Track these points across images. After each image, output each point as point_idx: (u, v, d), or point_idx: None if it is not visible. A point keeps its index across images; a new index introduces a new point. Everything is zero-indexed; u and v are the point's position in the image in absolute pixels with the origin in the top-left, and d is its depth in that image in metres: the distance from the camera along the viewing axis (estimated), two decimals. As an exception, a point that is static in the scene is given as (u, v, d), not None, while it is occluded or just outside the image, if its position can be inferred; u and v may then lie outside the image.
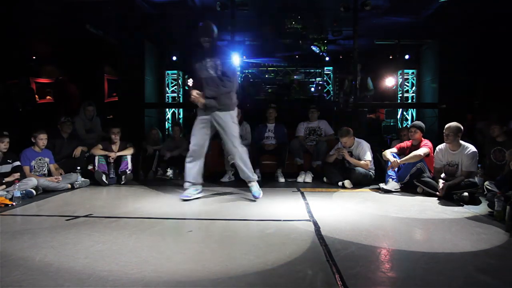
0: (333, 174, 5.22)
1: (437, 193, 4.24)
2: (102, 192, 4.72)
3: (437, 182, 4.34)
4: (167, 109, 8.93)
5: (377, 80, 9.37)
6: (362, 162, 5.07)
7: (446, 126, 4.27)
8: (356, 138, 5.27)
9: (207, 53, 4.05)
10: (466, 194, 4.03)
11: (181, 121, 8.98)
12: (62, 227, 3.01)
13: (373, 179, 5.14)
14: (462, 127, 4.24)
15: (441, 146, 4.43)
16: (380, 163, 5.38)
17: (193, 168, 4.19)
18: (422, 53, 8.59)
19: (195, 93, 4.08)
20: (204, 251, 2.47)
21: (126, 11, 7.00)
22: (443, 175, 4.37)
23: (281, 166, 5.74)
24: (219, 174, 5.68)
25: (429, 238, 2.88)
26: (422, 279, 2.05)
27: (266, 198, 4.20)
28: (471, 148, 4.19)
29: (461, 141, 4.27)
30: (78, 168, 5.10)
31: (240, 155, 4.16)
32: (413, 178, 4.56)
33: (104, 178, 5.12)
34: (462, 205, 3.89)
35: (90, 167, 5.35)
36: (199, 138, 4.17)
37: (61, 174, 4.93)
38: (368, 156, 5.11)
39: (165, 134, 8.11)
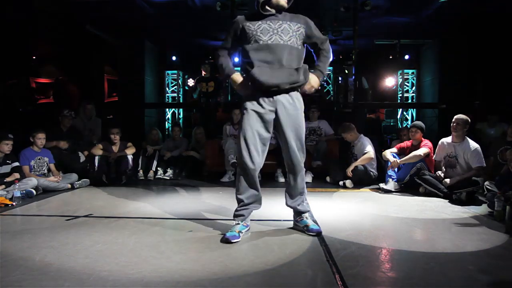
0: (337, 173, 5.24)
1: (438, 192, 4.24)
2: (102, 192, 4.72)
3: (438, 180, 4.34)
4: (167, 109, 8.94)
5: (377, 80, 9.37)
6: (364, 157, 5.05)
7: (456, 116, 4.30)
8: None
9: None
10: (464, 194, 4.03)
11: (181, 121, 8.98)
12: (62, 227, 3.01)
13: (374, 179, 5.13)
14: (469, 120, 4.28)
15: (444, 139, 4.48)
16: (380, 163, 5.38)
17: None
18: (422, 53, 8.59)
19: None
20: (204, 251, 2.47)
21: (126, 11, 7.01)
22: (443, 169, 4.41)
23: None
24: (219, 174, 5.68)
25: (429, 238, 2.87)
26: (422, 279, 2.05)
27: (266, 198, 4.18)
28: (475, 144, 4.23)
29: (466, 137, 4.30)
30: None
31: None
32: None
33: (104, 178, 5.12)
34: (462, 205, 3.89)
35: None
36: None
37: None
38: (369, 148, 5.09)
39: (165, 134, 8.11)
